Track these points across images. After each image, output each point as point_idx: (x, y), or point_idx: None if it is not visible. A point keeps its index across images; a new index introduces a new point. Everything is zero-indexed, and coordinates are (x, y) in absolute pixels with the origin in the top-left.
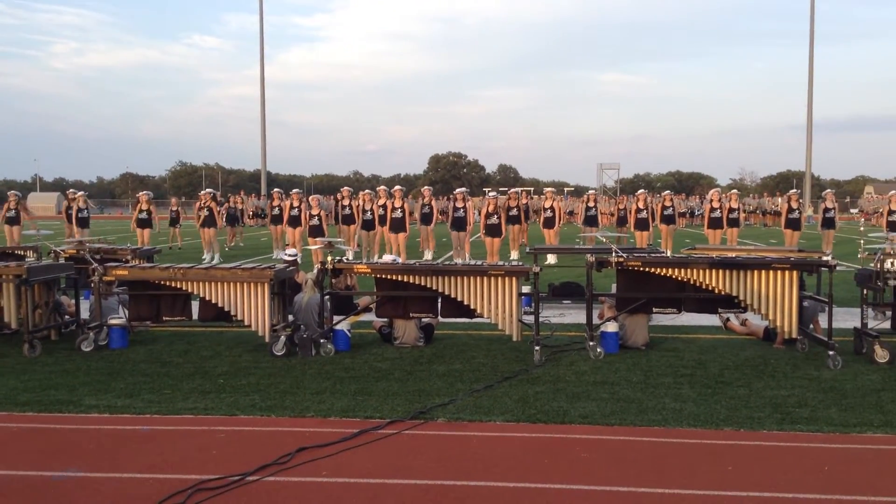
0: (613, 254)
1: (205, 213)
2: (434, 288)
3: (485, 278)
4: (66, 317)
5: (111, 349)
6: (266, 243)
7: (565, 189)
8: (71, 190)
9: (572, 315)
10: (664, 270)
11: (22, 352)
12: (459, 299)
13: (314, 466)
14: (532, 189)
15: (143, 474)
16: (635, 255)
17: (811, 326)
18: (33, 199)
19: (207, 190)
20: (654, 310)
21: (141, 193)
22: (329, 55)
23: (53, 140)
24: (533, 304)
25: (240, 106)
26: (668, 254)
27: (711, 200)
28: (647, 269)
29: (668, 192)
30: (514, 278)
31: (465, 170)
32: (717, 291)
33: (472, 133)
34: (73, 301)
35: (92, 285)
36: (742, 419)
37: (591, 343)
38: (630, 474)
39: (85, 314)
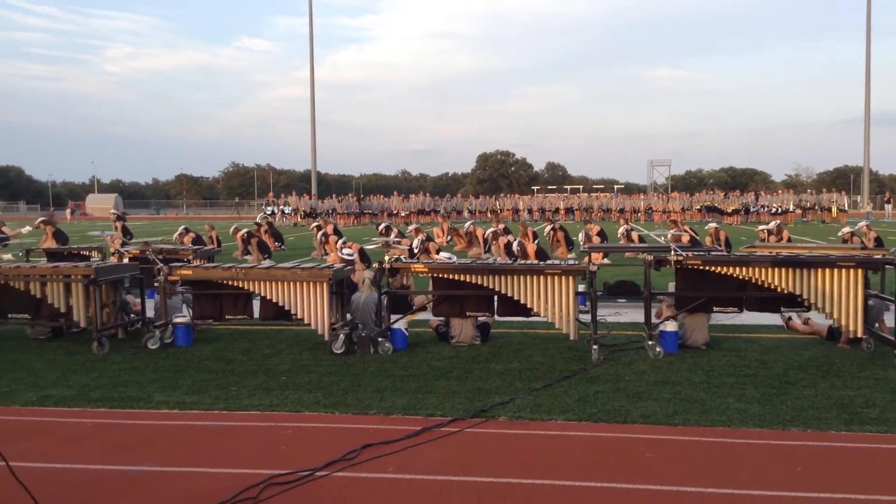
0: (672, 252)
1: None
2: (490, 287)
3: (541, 277)
4: (132, 315)
5: (176, 347)
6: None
7: (615, 186)
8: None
9: (628, 314)
10: (725, 269)
11: (91, 349)
12: (516, 298)
13: (380, 463)
14: (581, 187)
15: (216, 469)
16: (695, 253)
17: (876, 325)
18: (91, 201)
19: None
20: (715, 309)
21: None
22: (377, 55)
23: (110, 143)
24: (589, 303)
25: (289, 107)
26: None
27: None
28: (707, 268)
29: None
30: (570, 277)
31: (512, 168)
32: (779, 290)
33: (520, 131)
34: (139, 300)
35: (157, 285)
36: (809, 420)
37: (650, 342)
38: (697, 474)
39: (150, 313)
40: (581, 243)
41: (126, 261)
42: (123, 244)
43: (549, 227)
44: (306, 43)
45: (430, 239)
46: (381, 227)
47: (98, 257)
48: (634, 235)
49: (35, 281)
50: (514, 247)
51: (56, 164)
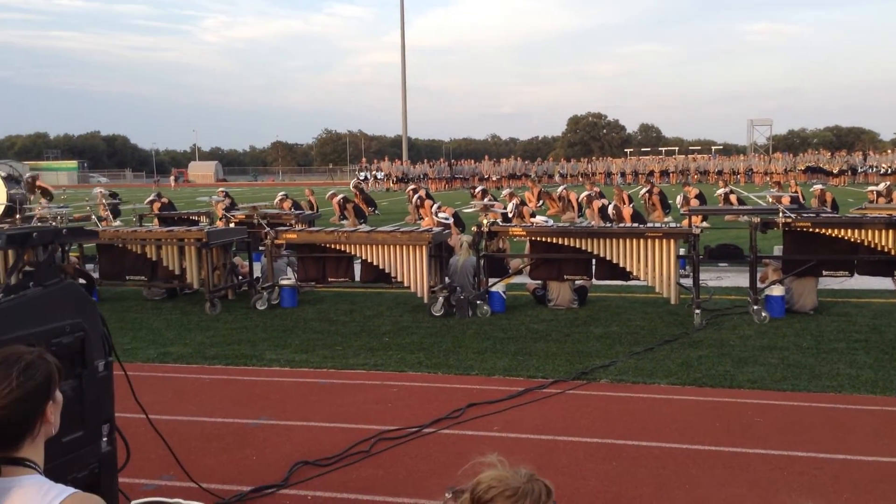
0: (781, 214)
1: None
2: (589, 250)
3: (642, 240)
4: (241, 277)
5: (283, 308)
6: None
7: (713, 148)
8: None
9: (730, 278)
10: (835, 231)
11: (204, 310)
12: (616, 262)
13: (485, 421)
14: (677, 149)
15: (328, 423)
16: (804, 215)
17: None
18: (193, 168)
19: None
20: (824, 273)
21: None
22: (465, 18)
23: (209, 111)
24: (690, 267)
25: (379, 73)
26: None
27: None
28: (816, 230)
29: None
30: (672, 240)
31: (604, 130)
32: (892, 253)
33: (611, 92)
34: (246, 263)
35: (263, 248)
36: None
37: (755, 307)
38: (807, 439)
39: (257, 275)
40: (679, 206)
41: (232, 225)
42: (229, 208)
43: (644, 190)
44: (396, 8)
45: (523, 203)
46: (476, 191)
47: (206, 222)
48: (733, 198)
49: (151, 245)
50: (610, 210)
51: (159, 132)
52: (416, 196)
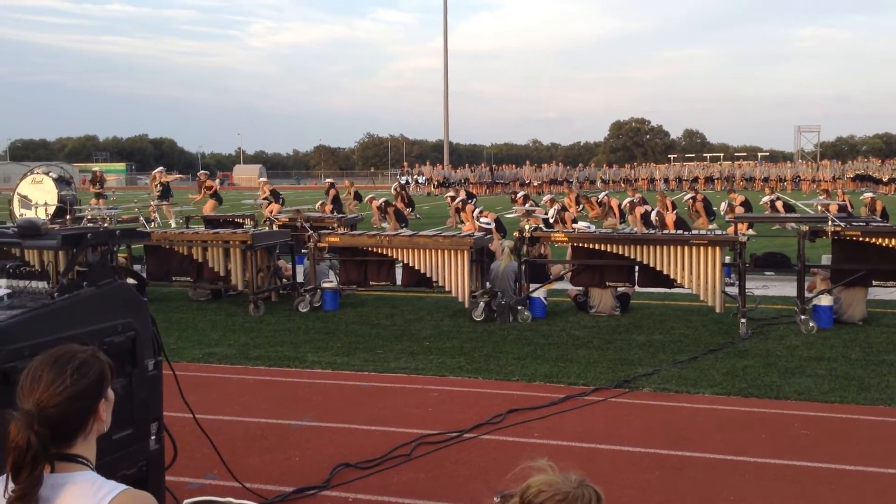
0: (830, 223)
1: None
2: (632, 257)
3: (686, 248)
4: (284, 280)
5: (325, 310)
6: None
7: (759, 154)
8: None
9: (776, 287)
10: (886, 241)
11: (248, 311)
12: (659, 269)
13: (526, 428)
14: (722, 155)
15: (369, 426)
16: (854, 224)
17: None
18: (238, 171)
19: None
20: (874, 283)
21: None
22: (508, 23)
23: (253, 115)
24: (736, 275)
25: (422, 78)
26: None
27: None
28: (866, 240)
29: None
30: (717, 248)
31: (647, 136)
32: None
33: (655, 97)
34: (290, 265)
35: (306, 251)
36: None
37: (802, 317)
38: (856, 453)
39: (299, 278)
40: (723, 213)
41: (276, 228)
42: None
43: (688, 196)
44: (439, 13)
45: (565, 209)
46: (518, 196)
47: (250, 224)
48: (779, 205)
49: (197, 246)
50: (653, 217)
51: (205, 135)
52: (456, 200)
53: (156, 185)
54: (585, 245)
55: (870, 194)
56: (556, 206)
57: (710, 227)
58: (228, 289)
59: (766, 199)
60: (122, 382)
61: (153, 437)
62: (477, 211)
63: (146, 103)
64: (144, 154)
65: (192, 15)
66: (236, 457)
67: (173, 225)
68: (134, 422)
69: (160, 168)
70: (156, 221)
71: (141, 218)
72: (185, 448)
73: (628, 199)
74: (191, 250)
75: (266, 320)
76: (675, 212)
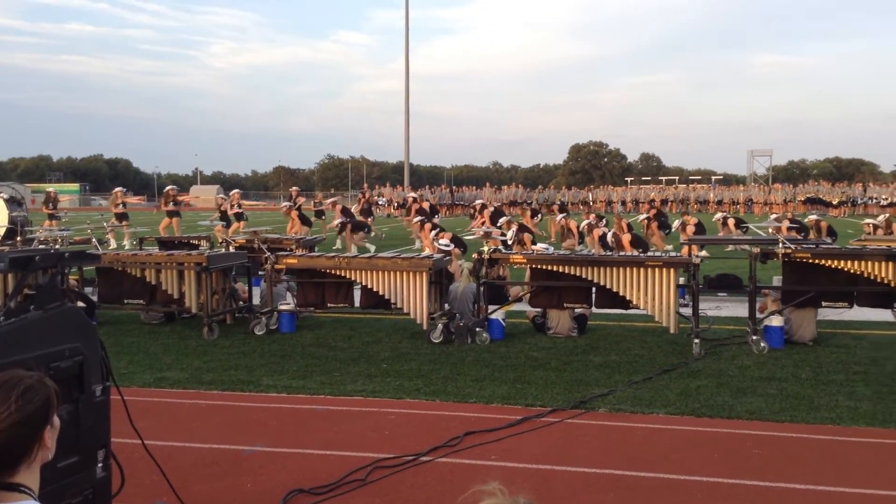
0: (781, 245)
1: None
2: (589, 278)
3: (642, 269)
4: (240, 302)
5: (281, 333)
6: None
7: (712, 178)
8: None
9: (729, 308)
10: (835, 263)
11: (202, 334)
12: (615, 290)
13: (483, 450)
14: (677, 178)
15: (324, 451)
16: (804, 246)
17: None
18: (195, 192)
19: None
20: (824, 304)
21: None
22: (470, 46)
23: (212, 136)
24: (690, 296)
25: (384, 99)
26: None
27: None
28: (816, 261)
29: None
30: (672, 269)
31: (605, 159)
32: (893, 285)
33: (614, 121)
34: (246, 288)
35: (263, 273)
36: None
37: (754, 337)
38: (807, 472)
39: (256, 300)
40: (675, 229)
41: (233, 249)
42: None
43: (643, 216)
44: (402, 35)
45: (523, 230)
46: (476, 203)
47: (206, 246)
48: (731, 223)
49: (150, 268)
50: (609, 238)
51: (162, 156)
52: (417, 218)
53: (117, 205)
54: (544, 267)
55: (814, 216)
56: (515, 227)
57: (667, 247)
58: (182, 311)
59: (718, 216)
60: (68, 409)
61: (100, 465)
62: (433, 233)
63: (102, 123)
64: (99, 174)
65: (152, 35)
66: (186, 483)
67: (128, 247)
68: (80, 449)
69: (120, 189)
70: (107, 243)
71: (94, 239)
72: (134, 475)
73: (586, 222)
74: (144, 272)
75: (220, 343)
76: (630, 232)
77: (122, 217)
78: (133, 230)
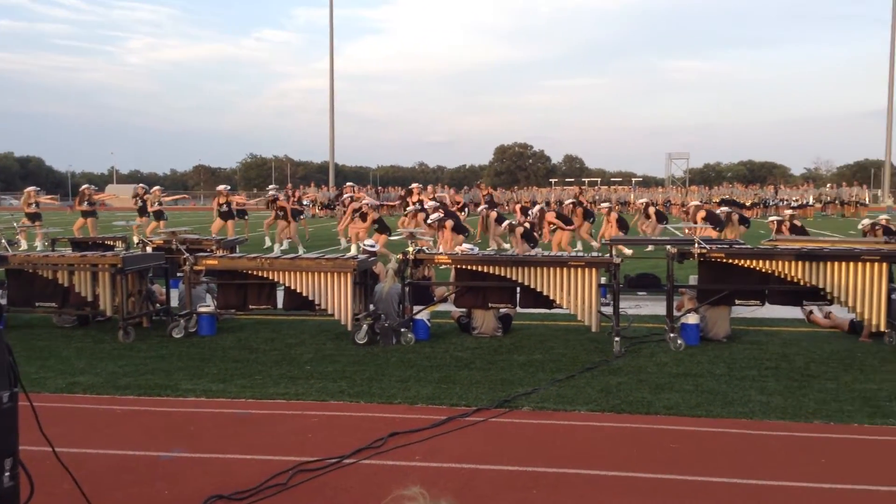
0: (696, 245)
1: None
2: (514, 278)
3: (565, 269)
4: (158, 305)
5: (200, 336)
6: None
7: (633, 179)
8: (141, 185)
9: (648, 307)
10: (748, 262)
11: (117, 338)
12: (539, 290)
13: (407, 451)
14: (599, 180)
15: (245, 455)
16: (718, 246)
17: None
18: (110, 191)
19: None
20: (737, 302)
21: (221, 187)
22: (396, 47)
23: (129, 133)
24: (611, 295)
25: (308, 98)
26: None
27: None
28: (729, 261)
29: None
30: (594, 269)
31: (530, 161)
32: (802, 283)
33: (539, 123)
34: (164, 290)
35: (182, 274)
36: (832, 412)
37: (671, 335)
38: (723, 465)
39: (174, 302)
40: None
41: (150, 250)
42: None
43: (537, 208)
44: (326, 34)
45: (449, 216)
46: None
47: (122, 247)
48: (651, 211)
49: (63, 270)
50: (534, 210)
51: (76, 154)
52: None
53: (30, 205)
54: (469, 267)
55: (726, 209)
56: (440, 213)
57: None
58: (96, 314)
59: (640, 200)
60: None
61: (7, 474)
62: (359, 203)
63: (13, 119)
64: (10, 173)
65: (68, 29)
66: (100, 491)
67: (40, 248)
68: None
69: (33, 188)
70: (18, 244)
71: (3, 240)
72: (45, 484)
73: (507, 222)
74: (56, 274)
75: (137, 347)
76: (526, 222)
77: (34, 217)
78: (46, 230)
